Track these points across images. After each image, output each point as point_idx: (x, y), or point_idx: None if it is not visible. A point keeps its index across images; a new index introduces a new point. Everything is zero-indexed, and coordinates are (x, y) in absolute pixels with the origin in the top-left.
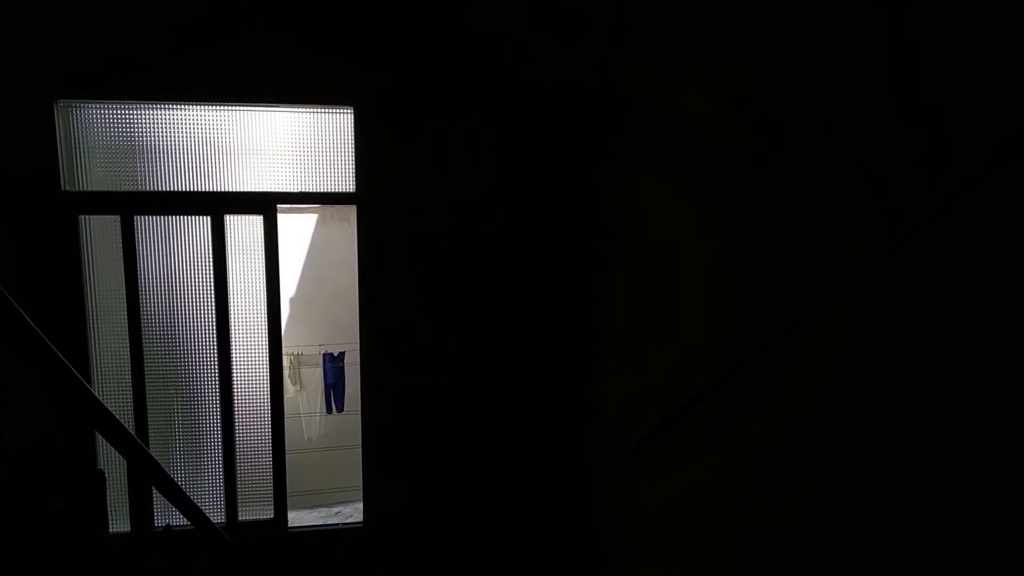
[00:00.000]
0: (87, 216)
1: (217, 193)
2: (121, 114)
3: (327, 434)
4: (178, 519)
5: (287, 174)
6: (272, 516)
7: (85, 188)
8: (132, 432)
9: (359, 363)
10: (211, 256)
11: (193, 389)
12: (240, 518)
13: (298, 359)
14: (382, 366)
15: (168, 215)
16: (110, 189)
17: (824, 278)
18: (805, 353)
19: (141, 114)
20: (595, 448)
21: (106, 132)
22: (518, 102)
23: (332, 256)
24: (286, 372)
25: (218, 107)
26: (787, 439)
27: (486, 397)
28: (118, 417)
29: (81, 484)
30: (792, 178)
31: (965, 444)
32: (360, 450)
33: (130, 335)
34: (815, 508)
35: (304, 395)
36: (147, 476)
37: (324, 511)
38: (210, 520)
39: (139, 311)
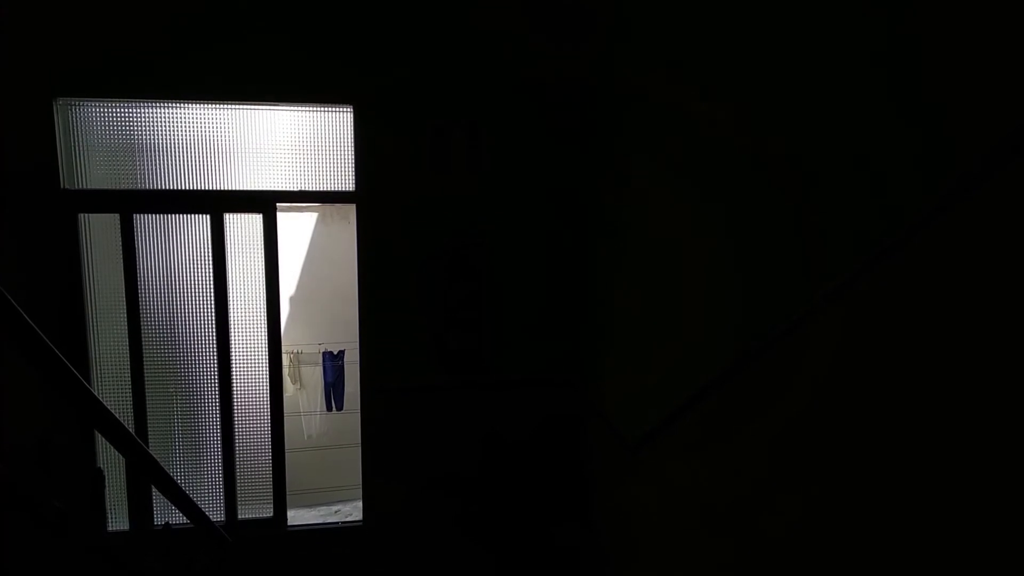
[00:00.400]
0: (86, 215)
1: (217, 192)
2: (121, 113)
3: (327, 433)
4: (177, 517)
5: (287, 173)
6: (271, 515)
7: (84, 186)
8: (131, 431)
9: (359, 362)
10: (211, 255)
11: (193, 387)
12: (239, 516)
13: (298, 358)
14: (382, 365)
15: (168, 214)
16: (109, 188)
17: (824, 277)
18: (805, 353)
19: (141, 113)
20: (595, 447)
21: (106, 131)
22: (518, 102)
23: (332, 255)
24: (286, 371)
25: (218, 106)
26: (787, 439)
27: (486, 396)
28: (117, 416)
29: (81, 483)
30: (792, 177)
31: (966, 443)
32: (360, 449)
33: (129, 334)
34: (816, 508)
35: (304, 394)
36: (146, 475)
37: (324, 510)
38: (209, 519)
39: (139, 310)
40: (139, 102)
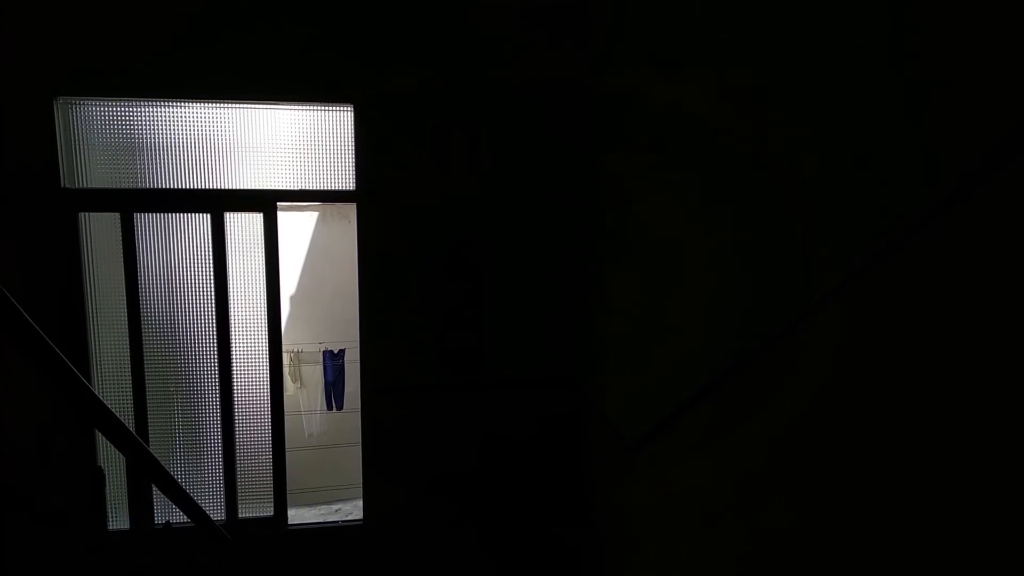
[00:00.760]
0: (87, 213)
1: (217, 191)
2: (121, 112)
3: (327, 432)
4: (178, 516)
5: (287, 172)
6: (272, 514)
7: (85, 185)
8: (132, 429)
9: (359, 361)
10: (211, 254)
11: (193, 386)
12: (240, 515)
13: (298, 357)
14: (382, 364)
15: (168, 212)
16: (110, 186)
17: (824, 277)
18: (805, 353)
19: (141, 111)
20: (595, 447)
21: (106, 129)
22: (518, 102)
23: (332, 254)
24: (286, 370)
25: (218, 105)
26: (788, 438)
27: (486, 396)
28: (118, 415)
29: (81, 482)
30: (792, 176)
31: (968, 442)
32: (360, 448)
33: (130, 333)
34: (817, 508)
35: (304, 393)
36: (147, 474)
37: (324, 509)
38: (210, 517)
39: (139, 309)
40: (140, 101)
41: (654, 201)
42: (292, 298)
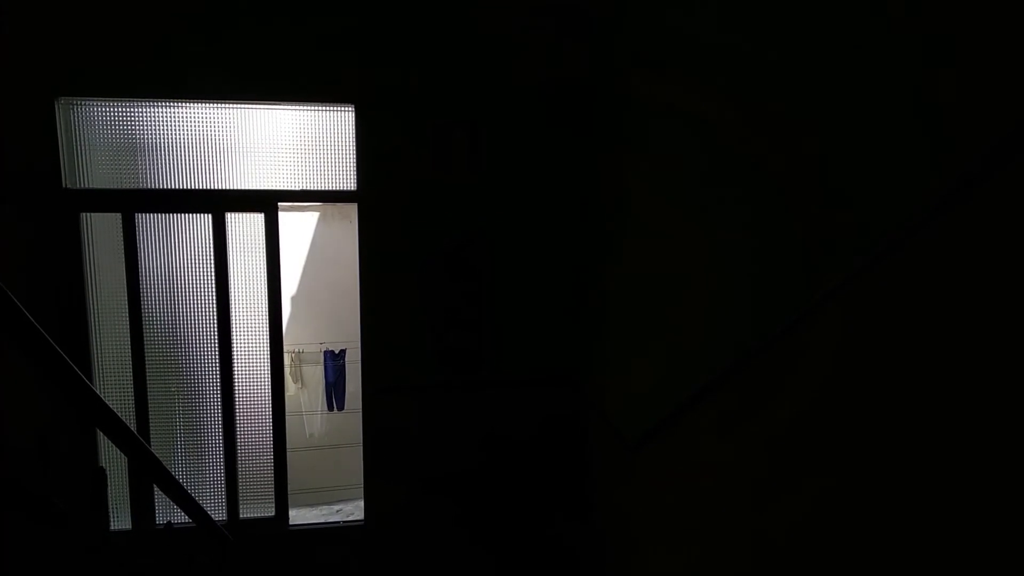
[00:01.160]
0: (88, 214)
1: (218, 191)
2: (122, 112)
3: (328, 432)
4: (179, 517)
5: (288, 172)
6: (273, 514)
7: (86, 186)
8: (133, 429)
9: (360, 361)
10: (212, 254)
11: (194, 386)
12: (241, 516)
13: (299, 357)
14: (383, 364)
15: (169, 213)
16: (111, 187)
17: (825, 276)
18: (806, 352)
19: (142, 112)
20: (596, 447)
21: (107, 130)
22: (518, 102)
23: (333, 254)
24: (287, 370)
25: (220, 105)
26: (789, 438)
27: (487, 396)
28: (119, 414)
29: (82, 482)
30: (793, 176)
31: (971, 442)
32: (361, 448)
33: (131, 333)
34: (819, 507)
35: (305, 393)
36: (148, 474)
37: (325, 509)
38: (211, 518)
39: (140, 309)
40: (141, 101)
41: (654, 201)
42: (293, 298)
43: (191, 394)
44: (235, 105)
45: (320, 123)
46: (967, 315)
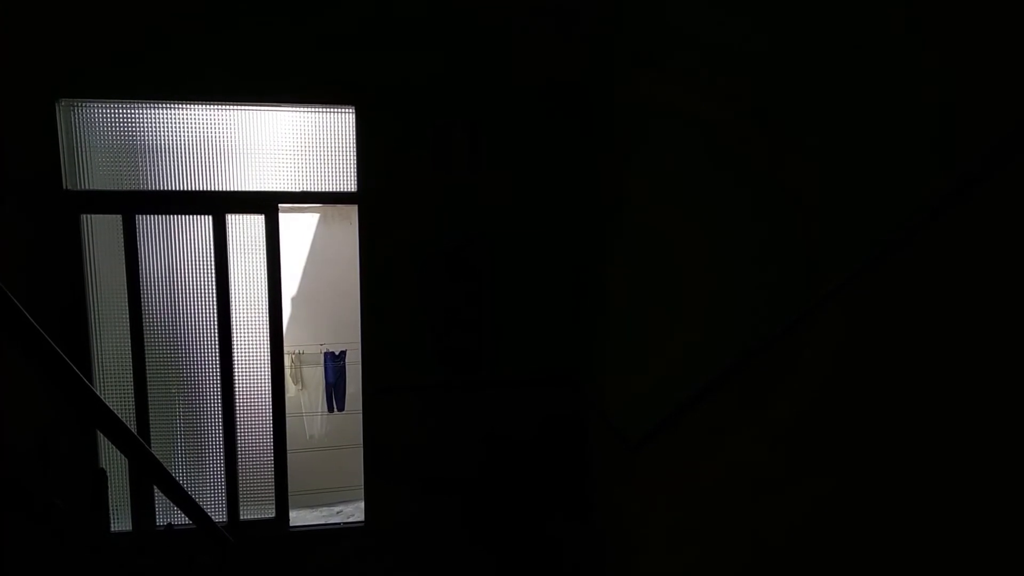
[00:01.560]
0: (89, 215)
1: (219, 192)
2: (123, 113)
3: (328, 433)
4: (180, 518)
5: (289, 173)
6: (274, 515)
7: (87, 187)
8: (134, 431)
9: (360, 362)
10: (213, 255)
11: (195, 388)
12: (241, 517)
13: (299, 358)
14: (383, 365)
15: (170, 214)
16: (112, 188)
17: (826, 275)
18: (807, 351)
19: (143, 113)
20: (596, 447)
21: (108, 131)
22: (518, 102)
23: (333, 255)
24: (288, 371)
25: (220, 107)
26: (789, 438)
27: (487, 396)
28: (120, 416)
29: (82, 483)
30: (793, 176)
31: (971, 441)
32: (361, 449)
33: (131, 334)
34: (819, 507)
35: (305, 394)
36: (148, 475)
37: (325, 510)
38: (212, 519)
39: (141, 310)
40: (141, 103)
41: (654, 200)
42: (293, 299)
43: (191, 395)
44: (235, 106)
45: (320, 124)
46: (967, 315)
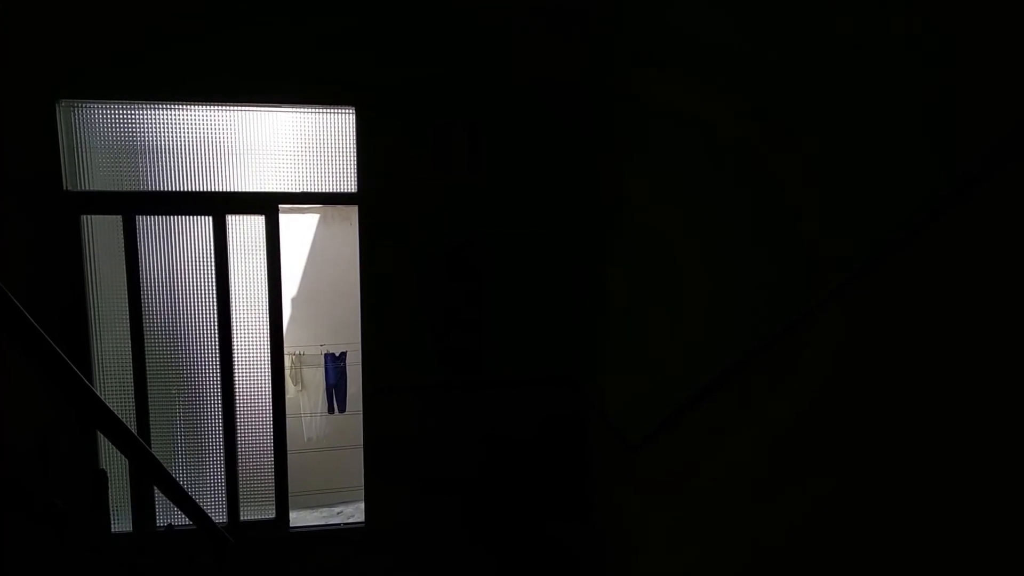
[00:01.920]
0: (89, 216)
1: (219, 193)
2: (123, 114)
3: (328, 434)
4: (180, 519)
5: (289, 174)
6: (274, 516)
7: (87, 188)
8: (134, 431)
9: (360, 363)
10: (213, 256)
11: (195, 388)
12: (242, 518)
13: (300, 359)
14: (383, 365)
15: (170, 215)
16: (112, 189)
17: (828, 275)
18: (807, 352)
19: (143, 114)
20: (596, 447)
21: (108, 132)
22: (518, 102)
23: (333, 256)
24: (288, 372)
25: (220, 107)
26: (790, 439)
27: (487, 396)
28: (120, 416)
29: (82, 483)
30: (794, 176)
31: (971, 441)
32: (361, 450)
33: (132, 334)
34: (819, 508)
35: (305, 395)
36: (149, 476)
37: (326, 511)
38: (212, 520)
39: (141, 310)
40: (142, 103)
41: (654, 200)
42: (293, 300)
43: (191, 396)
44: (236, 107)
45: (320, 125)
46: (967, 315)
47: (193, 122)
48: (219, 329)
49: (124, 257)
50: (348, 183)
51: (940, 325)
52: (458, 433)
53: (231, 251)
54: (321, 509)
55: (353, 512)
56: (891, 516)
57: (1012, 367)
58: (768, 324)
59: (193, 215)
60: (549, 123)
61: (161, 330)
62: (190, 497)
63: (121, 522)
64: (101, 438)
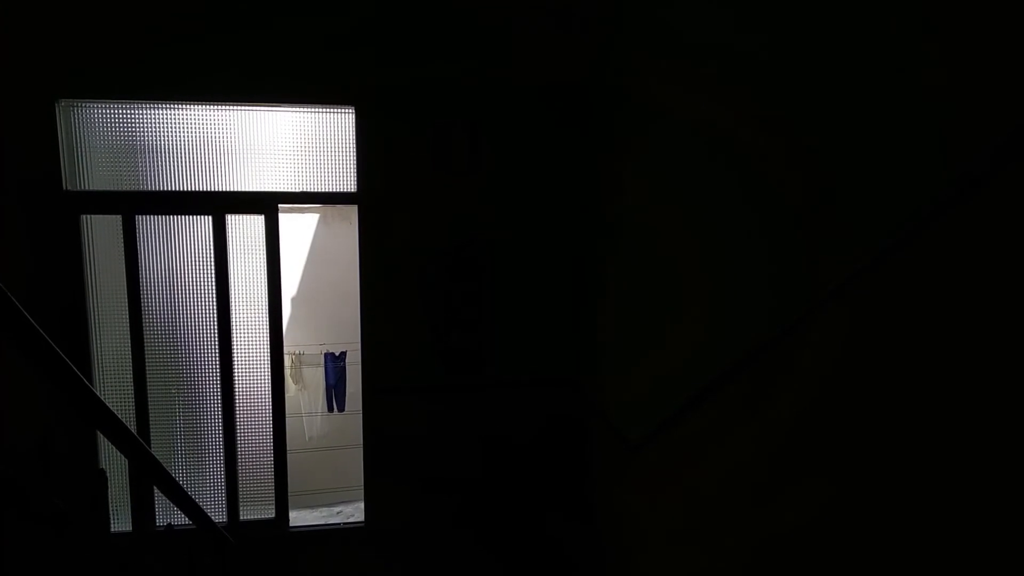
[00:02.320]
0: (88, 216)
1: (219, 193)
2: (123, 113)
3: (328, 434)
4: (180, 518)
5: (289, 174)
6: (274, 515)
7: (87, 188)
8: (133, 431)
9: (360, 363)
10: (213, 256)
11: (194, 388)
12: (241, 517)
13: (299, 359)
14: (383, 365)
15: (170, 215)
16: (112, 189)
17: (829, 275)
18: (808, 352)
19: (143, 113)
20: (596, 448)
21: (108, 132)
22: (518, 101)
23: (333, 256)
24: (287, 371)
25: (220, 107)
26: (789, 439)
27: (487, 397)
28: (119, 416)
29: (82, 483)
30: (794, 176)
31: (971, 441)
32: (361, 450)
33: (131, 334)
34: (819, 508)
35: (305, 394)
36: (148, 476)
37: (325, 511)
38: (212, 519)
39: (140, 310)
40: (141, 103)
41: (654, 200)
42: (293, 300)
43: (191, 396)
44: (235, 107)
45: (320, 124)
46: (968, 315)
47: (193, 122)
48: (219, 329)
49: (124, 257)
50: (348, 183)
51: (941, 325)
52: (458, 433)
53: (231, 251)
54: (321, 509)
55: (353, 512)
56: (891, 516)
57: (1013, 367)
58: (768, 324)
59: (193, 215)
60: (549, 123)
61: (161, 330)
62: (190, 497)
63: (121, 522)
64: (101, 438)
